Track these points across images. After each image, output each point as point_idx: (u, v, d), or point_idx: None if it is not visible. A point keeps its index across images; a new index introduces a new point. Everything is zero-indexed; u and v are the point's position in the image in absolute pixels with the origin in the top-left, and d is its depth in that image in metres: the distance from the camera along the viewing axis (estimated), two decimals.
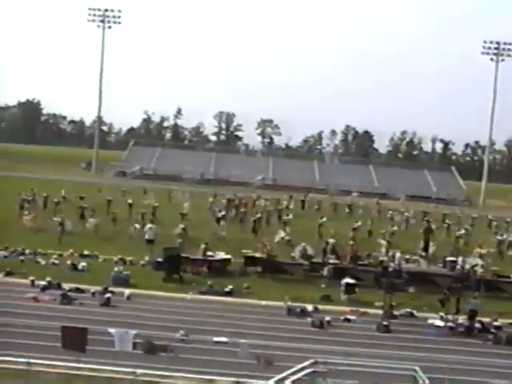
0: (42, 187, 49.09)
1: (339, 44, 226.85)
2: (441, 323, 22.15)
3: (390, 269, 26.69)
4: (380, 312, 22.68)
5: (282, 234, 35.65)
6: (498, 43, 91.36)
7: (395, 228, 42.75)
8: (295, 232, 37.75)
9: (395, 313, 22.82)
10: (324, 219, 41.71)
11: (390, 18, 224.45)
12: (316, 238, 36.66)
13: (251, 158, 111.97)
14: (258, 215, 42.43)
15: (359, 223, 40.84)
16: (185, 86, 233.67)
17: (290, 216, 44.90)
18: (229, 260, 28.67)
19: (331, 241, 30.84)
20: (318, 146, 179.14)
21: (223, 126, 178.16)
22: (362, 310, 23.17)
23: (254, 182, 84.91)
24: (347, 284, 24.90)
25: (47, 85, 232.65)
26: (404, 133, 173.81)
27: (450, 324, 21.86)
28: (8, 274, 24.64)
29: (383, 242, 33.33)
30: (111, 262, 27.68)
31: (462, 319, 22.03)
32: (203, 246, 28.38)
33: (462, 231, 41.83)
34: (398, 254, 29.46)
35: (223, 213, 43.18)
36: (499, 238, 40.21)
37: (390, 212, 55.05)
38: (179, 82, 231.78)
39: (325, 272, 27.46)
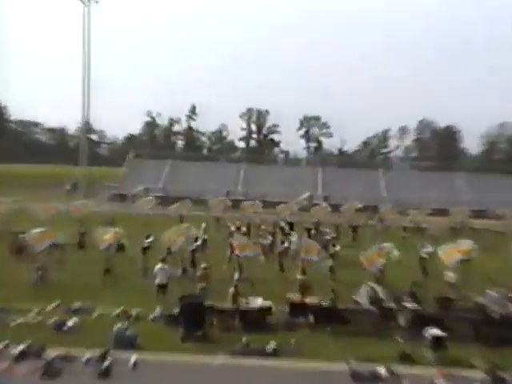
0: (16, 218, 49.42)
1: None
2: None
3: (495, 315, 26.36)
4: (481, 375, 22.38)
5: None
6: None
7: None
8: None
9: (503, 375, 22.52)
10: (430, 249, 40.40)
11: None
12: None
13: (293, 170, 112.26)
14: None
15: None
16: (199, 78, 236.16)
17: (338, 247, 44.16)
18: (269, 309, 28.59)
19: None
20: (384, 150, 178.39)
21: (253, 127, 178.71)
22: (455, 373, 22.91)
23: (297, 201, 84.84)
24: (434, 337, 24.65)
25: (13, 86, 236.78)
26: (502, 126, 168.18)
27: None
28: None
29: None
30: (111, 317, 27.85)
31: None
32: (232, 289, 28.37)
33: None
34: (496, 294, 29.00)
35: (198, 243, 42.42)
36: None
37: None
38: (192, 73, 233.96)
39: (401, 321, 27.25)
